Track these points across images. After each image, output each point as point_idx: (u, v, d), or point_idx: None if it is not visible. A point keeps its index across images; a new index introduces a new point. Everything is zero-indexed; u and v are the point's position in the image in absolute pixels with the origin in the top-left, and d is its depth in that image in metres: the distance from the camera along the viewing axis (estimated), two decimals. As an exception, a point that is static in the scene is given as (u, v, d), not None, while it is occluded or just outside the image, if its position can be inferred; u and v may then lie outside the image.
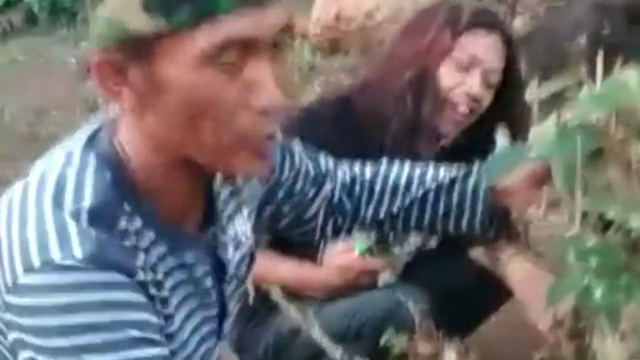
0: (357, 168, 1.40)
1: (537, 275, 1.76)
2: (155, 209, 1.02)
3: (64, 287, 0.93)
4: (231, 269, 1.15)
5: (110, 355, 0.94)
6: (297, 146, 1.34)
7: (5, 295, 0.96)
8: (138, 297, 0.97)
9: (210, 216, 1.11)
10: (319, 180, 1.36)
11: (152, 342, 0.98)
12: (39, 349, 0.94)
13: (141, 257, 0.99)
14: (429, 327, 1.48)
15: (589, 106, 1.10)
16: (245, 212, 1.20)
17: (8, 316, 0.96)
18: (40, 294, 0.93)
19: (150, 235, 1.01)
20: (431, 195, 1.37)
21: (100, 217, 0.96)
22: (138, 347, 0.96)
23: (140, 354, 0.96)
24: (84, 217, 0.96)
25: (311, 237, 1.42)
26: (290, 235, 1.42)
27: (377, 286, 1.87)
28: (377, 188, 1.38)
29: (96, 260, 0.93)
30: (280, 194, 1.32)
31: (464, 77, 1.79)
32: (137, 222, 1.00)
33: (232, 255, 1.15)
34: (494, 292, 1.93)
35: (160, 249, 1.02)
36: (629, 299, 1.06)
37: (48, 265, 0.93)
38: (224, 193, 1.15)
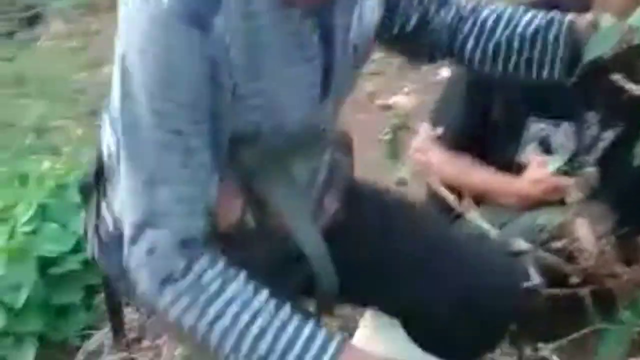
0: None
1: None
2: None
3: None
4: (353, 38, 1.31)
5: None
6: None
7: None
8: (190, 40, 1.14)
9: None
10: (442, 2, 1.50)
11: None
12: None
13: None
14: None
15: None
16: None
17: None
18: None
19: None
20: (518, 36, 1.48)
21: None
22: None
23: None
24: None
25: (421, 54, 1.55)
26: (404, 45, 1.53)
27: (565, 203, 1.90)
28: (478, 22, 1.50)
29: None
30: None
31: None
32: None
33: (357, 24, 1.32)
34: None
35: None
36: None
37: None
38: None
